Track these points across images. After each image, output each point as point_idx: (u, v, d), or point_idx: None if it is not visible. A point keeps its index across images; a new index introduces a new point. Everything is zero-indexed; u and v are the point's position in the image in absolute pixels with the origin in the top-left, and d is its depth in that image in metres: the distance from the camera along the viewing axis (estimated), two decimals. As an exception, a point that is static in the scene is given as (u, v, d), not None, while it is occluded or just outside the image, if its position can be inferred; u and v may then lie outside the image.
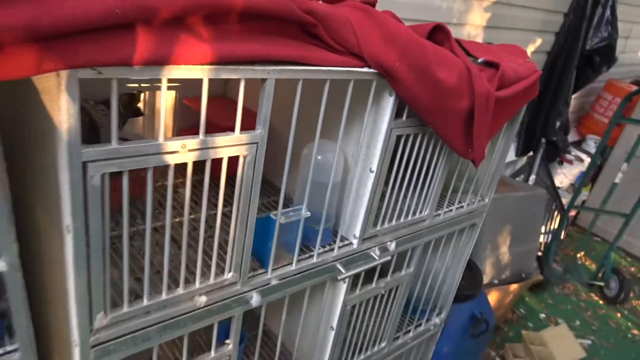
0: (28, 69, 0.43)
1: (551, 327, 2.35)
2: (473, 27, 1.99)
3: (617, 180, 2.85)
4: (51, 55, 0.44)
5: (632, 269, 3.24)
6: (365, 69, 0.79)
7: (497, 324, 2.37)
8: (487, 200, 1.42)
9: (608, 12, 2.42)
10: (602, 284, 2.91)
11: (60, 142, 0.52)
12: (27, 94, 0.58)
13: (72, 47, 0.46)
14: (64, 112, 0.50)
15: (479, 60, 1.09)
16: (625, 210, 2.82)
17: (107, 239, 0.62)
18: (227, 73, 0.60)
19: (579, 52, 2.44)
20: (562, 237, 3.04)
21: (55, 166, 0.55)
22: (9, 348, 0.63)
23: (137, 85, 1.11)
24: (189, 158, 0.63)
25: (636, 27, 3.31)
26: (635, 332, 2.66)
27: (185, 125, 1.25)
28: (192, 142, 0.63)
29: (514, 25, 2.20)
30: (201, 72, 0.58)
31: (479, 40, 2.08)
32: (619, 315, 2.79)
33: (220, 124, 1.02)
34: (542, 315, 2.60)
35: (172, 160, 0.61)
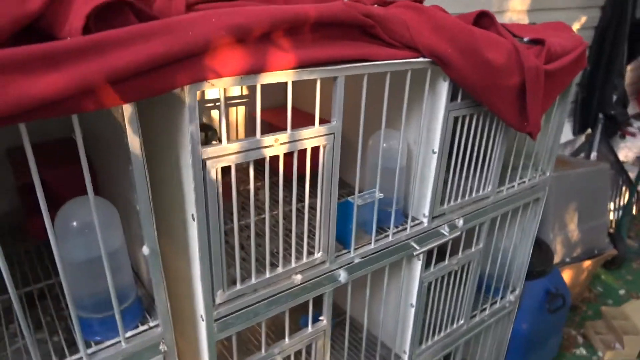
0: (168, 85, 0.56)
1: (632, 300, 2.29)
2: (515, 12, 2.03)
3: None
4: (182, 72, 0.57)
5: None
6: (421, 59, 0.88)
7: (575, 304, 2.34)
8: (548, 174, 1.45)
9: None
10: (682, 256, 2.79)
11: (186, 144, 0.65)
12: (152, 108, 0.73)
13: (194, 66, 0.59)
14: (186, 119, 0.63)
15: (525, 40, 1.15)
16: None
17: (222, 225, 0.74)
18: (307, 75, 0.72)
19: (629, 21, 2.39)
20: (633, 211, 2.94)
21: (180, 165, 0.69)
22: (152, 324, 0.77)
23: (212, 104, 1.25)
24: (281, 150, 0.75)
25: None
26: None
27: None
28: (282, 137, 0.74)
29: (555, 5, 2.21)
30: (286, 76, 0.70)
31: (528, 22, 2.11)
32: None
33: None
34: (622, 292, 2.54)
35: (268, 153, 0.73)
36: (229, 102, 1.28)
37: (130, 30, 0.50)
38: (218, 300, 0.80)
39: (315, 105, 0.78)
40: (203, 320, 0.80)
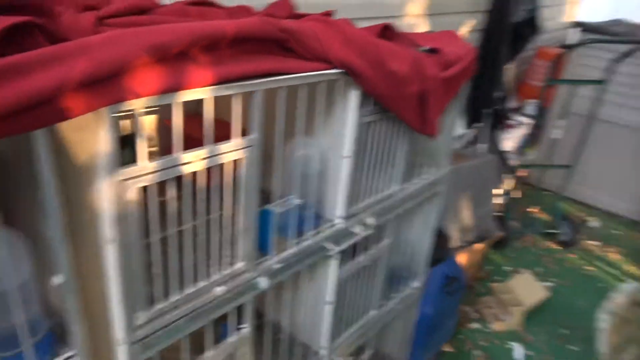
0: (83, 110, 0.54)
1: (516, 275, 2.58)
2: (412, 17, 2.16)
3: (555, 136, 3.11)
4: (98, 95, 0.54)
5: (579, 214, 3.55)
6: (333, 71, 0.91)
7: (470, 283, 2.57)
8: (444, 170, 1.58)
9: (527, -14, 2.66)
10: (556, 231, 3.19)
11: (101, 166, 0.62)
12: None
13: (111, 88, 0.56)
14: (103, 140, 0.60)
15: (424, 49, 1.24)
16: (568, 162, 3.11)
17: (140, 246, 0.72)
18: (225, 91, 0.72)
19: (508, 25, 2.66)
20: (516, 196, 3.30)
21: (95, 186, 0.65)
22: (68, 354, 0.72)
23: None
24: (202, 165, 0.74)
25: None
26: (589, 268, 2.95)
27: (165, 143, 1.34)
28: (202, 152, 0.74)
29: (448, 10, 2.39)
30: (205, 93, 0.69)
31: (421, 27, 2.25)
32: (574, 256, 3.08)
33: (200, 138, 1.13)
34: (508, 269, 2.84)
35: (189, 169, 0.72)
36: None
37: (42, 53, 0.47)
38: (138, 322, 0.77)
39: (233, 117, 0.78)
40: (124, 343, 0.77)
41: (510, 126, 3.24)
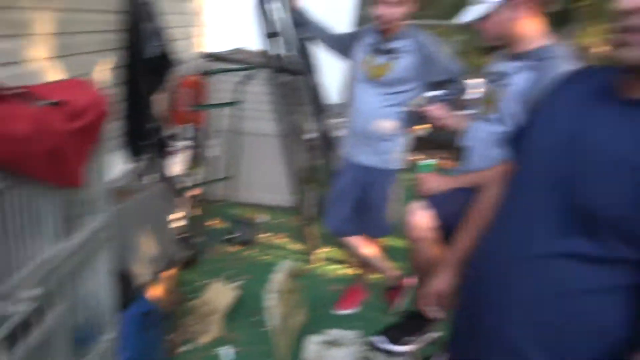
0: None
1: (208, 287, 2.78)
2: (40, 61, 2.02)
3: (214, 153, 3.48)
4: None
5: (250, 214, 4.08)
6: None
7: (170, 310, 2.63)
8: (106, 214, 1.58)
9: (153, 24, 2.86)
10: (234, 235, 3.60)
11: None
12: None
13: None
14: None
15: (46, 102, 1.21)
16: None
17: None
18: None
19: (143, 61, 2.80)
20: (196, 213, 3.53)
21: None
22: None
23: None
24: None
25: (182, 30, 3.98)
26: (266, 257, 3.47)
27: None
28: None
29: (78, 51, 2.34)
30: None
31: (51, 72, 2.13)
32: (254, 251, 3.55)
33: None
34: (204, 283, 3.03)
35: None
36: None
37: None
38: None
39: None
40: None
41: (173, 152, 3.43)
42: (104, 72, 2.69)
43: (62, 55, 2.20)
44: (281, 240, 3.75)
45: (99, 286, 1.62)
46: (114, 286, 1.69)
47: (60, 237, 1.29)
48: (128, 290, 1.97)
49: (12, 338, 1.12)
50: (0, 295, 1.05)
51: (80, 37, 2.37)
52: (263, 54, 3.26)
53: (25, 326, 1.17)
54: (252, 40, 3.54)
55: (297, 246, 3.66)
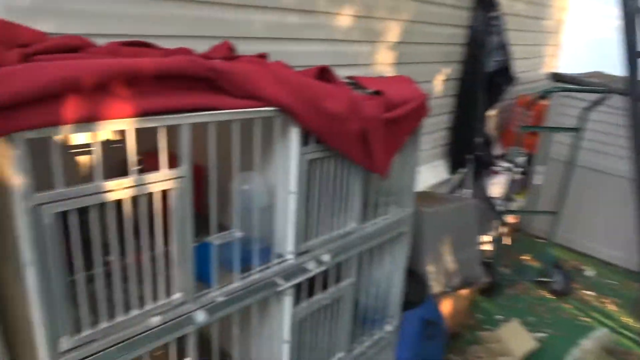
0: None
1: (505, 324, 2.51)
2: (382, 65, 2.26)
3: (537, 182, 3.13)
4: (10, 120, 0.60)
5: (574, 262, 3.49)
6: (266, 108, 0.97)
7: (457, 331, 2.51)
8: (409, 209, 1.60)
9: (499, 38, 2.79)
10: (548, 279, 3.13)
11: (16, 191, 0.67)
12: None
13: (19, 115, 0.62)
14: (16, 166, 0.65)
15: (367, 91, 1.30)
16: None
17: (62, 269, 0.75)
18: (147, 123, 0.77)
19: (482, 75, 2.77)
20: (507, 242, 3.27)
21: (12, 212, 0.69)
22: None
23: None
24: (126, 194, 0.78)
25: (531, 48, 3.75)
26: (584, 318, 2.86)
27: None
28: (127, 181, 0.78)
29: (418, 60, 2.50)
30: (126, 124, 0.75)
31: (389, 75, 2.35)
32: (568, 306, 2.99)
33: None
34: (499, 317, 2.77)
35: (111, 197, 0.76)
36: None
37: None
38: (63, 347, 0.79)
39: (160, 148, 0.82)
40: (47, 370, 0.78)
41: (495, 172, 3.27)
42: (440, 82, 2.79)
43: (404, 62, 2.39)
44: (606, 304, 3.05)
45: (390, 276, 1.66)
46: (404, 282, 1.71)
47: (363, 217, 1.38)
48: (417, 292, 1.97)
49: (309, 291, 1.26)
50: (301, 250, 1.19)
51: (423, 47, 2.52)
52: (623, 79, 2.72)
53: (319, 285, 1.30)
54: (612, 64, 3.01)
55: (626, 319, 2.90)
